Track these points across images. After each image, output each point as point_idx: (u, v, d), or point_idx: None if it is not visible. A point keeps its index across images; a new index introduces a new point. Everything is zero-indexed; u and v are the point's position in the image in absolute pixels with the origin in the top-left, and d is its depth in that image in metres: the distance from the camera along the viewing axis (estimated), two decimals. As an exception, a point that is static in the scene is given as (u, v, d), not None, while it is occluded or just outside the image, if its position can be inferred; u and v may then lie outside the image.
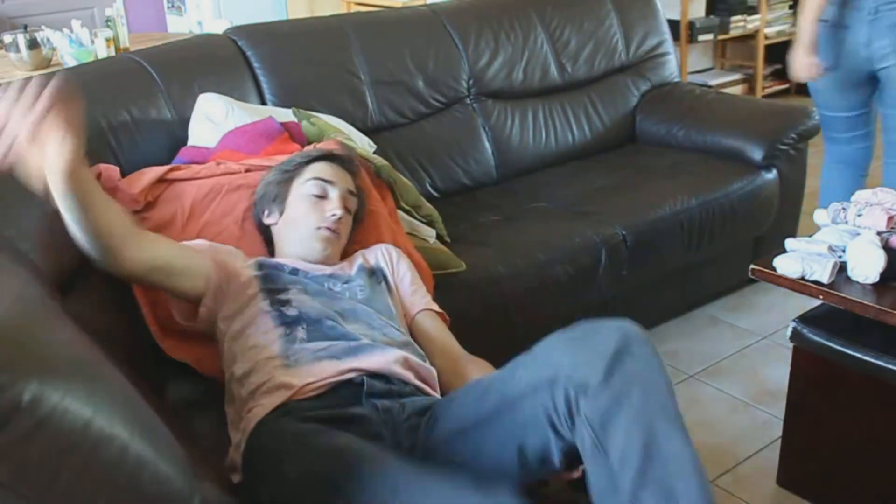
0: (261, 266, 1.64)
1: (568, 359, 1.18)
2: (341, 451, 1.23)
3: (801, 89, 5.50)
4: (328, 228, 1.67)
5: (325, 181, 1.71)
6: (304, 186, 1.71)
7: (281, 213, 1.73)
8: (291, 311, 1.51)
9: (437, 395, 1.53)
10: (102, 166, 1.92)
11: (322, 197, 1.70)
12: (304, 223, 1.69)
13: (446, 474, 1.18)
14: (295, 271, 1.64)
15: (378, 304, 1.64)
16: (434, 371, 1.56)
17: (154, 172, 1.95)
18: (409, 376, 1.48)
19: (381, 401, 1.40)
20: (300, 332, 1.48)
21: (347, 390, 1.41)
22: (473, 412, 1.29)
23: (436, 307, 1.77)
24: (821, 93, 2.83)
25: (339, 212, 1.68)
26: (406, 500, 1.14)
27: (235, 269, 1.61)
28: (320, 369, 1.42)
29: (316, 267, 1.67)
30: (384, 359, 1.46)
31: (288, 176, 1.74)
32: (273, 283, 1.59)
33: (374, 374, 1.43)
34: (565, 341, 1.23)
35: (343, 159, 1.80)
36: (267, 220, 1.76)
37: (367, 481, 1.16)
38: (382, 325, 1.57)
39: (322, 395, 1.40)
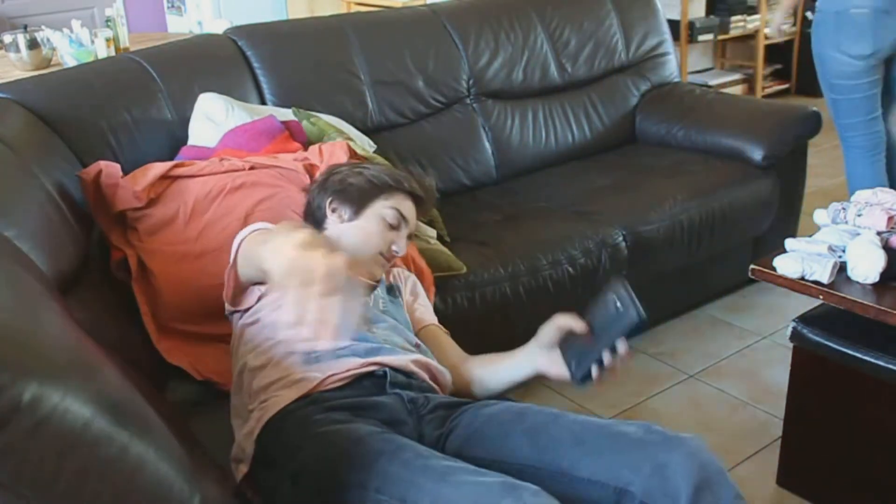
0: None
1: (640, 480, 1.24)
2: (361, 438, 1.26)
3: (801, 89, 5.52)
4: (386, 258, 1.70)
5: (403, 218, 1.71)
6: (385, 210, 1.69)
7: (350, 219, 1.71)
8: None
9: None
10: (103, 163, 1.92)
11: (393, 228, 1.70)
12: (370, 241, 1.68)
13: (471, 468, 1.20)
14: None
15: (397, 315, 1.69)
16: (448, 374, 1.60)
17: (158, 169, 1.95)
18: (425, 376, 1.53)
19: (406, 392, 1.44)
20: None
21: (371, 381, 1.45)
22: (518, 456, 1.32)
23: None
24: (852, 77, 2.93)
25: (403, 252, 1.71)
26: (429, 486, 1.15)
27: None
28: (342, 364, 1.45)
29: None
30: (404, 358, 1.51)
31: (376, 191, 1.71)
32: None
33: (395, 369, 1.48)
34: (635, 451, 1.27)
35: (425, 206, 1.80)
36: (332, 215, 1.72)
37: (386, 466, 1.19)
38: (401, 332, 1.61)
39: (345, 385, 1.43)
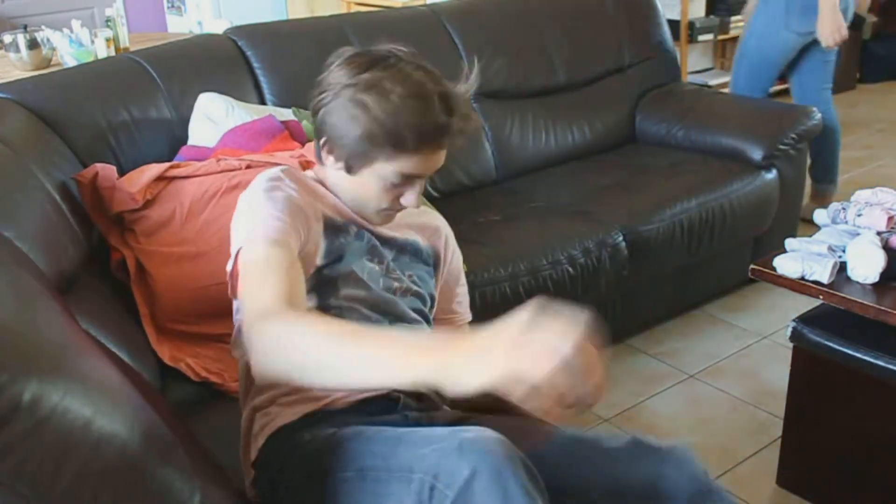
0: (327, 233, 1.38)
1: (633, 496, 1.24)
2: (332, 434, 1.24)
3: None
4: (393, 210, 1.43)
5: (416, 176, 1.37)
6: (387, 173, 1.35)
7: (347, 171, 1.38)
8: None
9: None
10: (99, 166, 1.92)
11: (399, 185, 1.39)
12: (369, 201, 1.41)
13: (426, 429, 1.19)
14: (361, 235, 1.42)
15: (427, 297, 1.49)
16: None
17: (154, 170, 1.95)
18: (435, 396, 1.44)
19: (412, 412, 1.36)
20: None
21: (381, 404, 1.35)
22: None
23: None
24: (788, 52, 3.30)
25: (414, 204, 1.41)
26: (384, 450, 1.15)
27: (312, 256, 1.37)
28: None
29: (373, 226, 1.46)
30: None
31: (374, 152, 1.34)
32: (327, 281, 1.38)
33: (409, 393, 1.38)
34: (625, 465, 1.27)
35: (453, 146, 1.39)
36: (326, 160, 1.40)
37: (349, 446, 1.18)
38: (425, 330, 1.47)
39: (352, 407, 1.34)
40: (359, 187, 1.39)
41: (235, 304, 1.45)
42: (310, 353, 1.08)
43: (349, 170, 1.39)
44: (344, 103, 1.33)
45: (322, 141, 1.40)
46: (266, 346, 1.12)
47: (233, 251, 1.30)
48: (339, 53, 1.38)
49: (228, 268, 1.31)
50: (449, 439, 1.08)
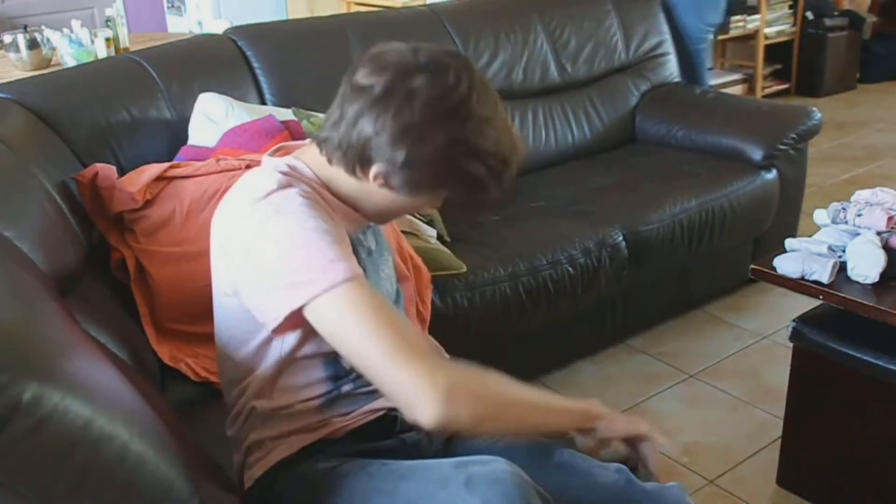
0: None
1: None
2: (332, 467, 1.22)
3: (801, 89, 5.52)
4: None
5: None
6: (437, 199, 1.28)
7: (390, 191, 1.22)
8: (346, 363, 1.25)
9: None
10: (99, 166, 1.92)
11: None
12: (397, 214, 1.33)
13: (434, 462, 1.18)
14: (370, 252, 1.34)
15: (392, 276, 1.43)
16: None
17: (154, 170, 1.95)
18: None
19: (410, 434, 1.33)
20: (347, 386, 1.29)
21: (378, 426, 1.31)
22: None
23: None
24: (705, 41, 3.75)
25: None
26: (387, 486, 1.15)
27: None
28: (356, 405, 1.30)
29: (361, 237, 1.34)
30: None
31: (438, 188, 1.23)
32: None
33: None
34: None
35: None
36: (371, 180, 1.20)
37: (353, 483, 1.17)
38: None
39: (348, 434, 1.30)
40: (392, 204, 1.25)
41: (264, 344, 1.26)
42: (510, 410, 1.20)
43: (396, 191, 1.22)
44: (450, 152, 1.16)
45: (373, 169, 1.19)
46: (467, 398, 1.13)
47: (303, 287, 1.13)
48: (384, 64, 1.16)
49: (293, 306, 1.14)
50: (456, 475, 1.08)
